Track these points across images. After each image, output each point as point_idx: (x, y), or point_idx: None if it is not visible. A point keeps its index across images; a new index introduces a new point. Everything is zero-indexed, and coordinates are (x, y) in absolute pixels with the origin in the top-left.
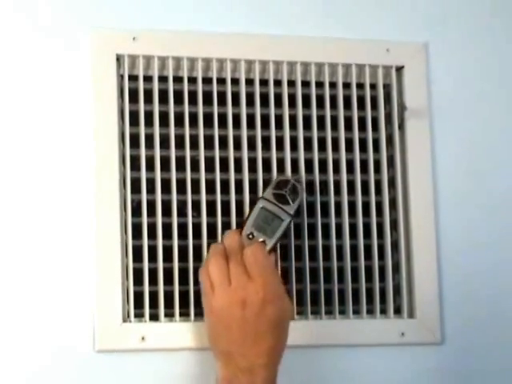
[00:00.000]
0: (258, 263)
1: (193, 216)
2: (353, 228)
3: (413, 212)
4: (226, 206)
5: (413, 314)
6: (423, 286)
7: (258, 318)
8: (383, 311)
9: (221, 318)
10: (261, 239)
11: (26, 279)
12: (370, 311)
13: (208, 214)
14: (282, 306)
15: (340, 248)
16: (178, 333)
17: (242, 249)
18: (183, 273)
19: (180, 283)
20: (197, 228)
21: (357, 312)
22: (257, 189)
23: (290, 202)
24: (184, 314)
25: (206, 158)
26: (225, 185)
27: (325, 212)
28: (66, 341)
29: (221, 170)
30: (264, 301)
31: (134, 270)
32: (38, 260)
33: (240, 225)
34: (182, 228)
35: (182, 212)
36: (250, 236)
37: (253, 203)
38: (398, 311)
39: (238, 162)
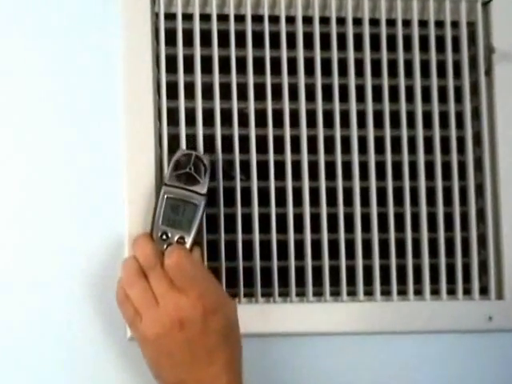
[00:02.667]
0: (184, 273)
1: (241, 179)
2: (430, 193)
3: (501, 174)
4: (280, 166)
5: (501, 294)
6: None
7: (204, 334)
8: (467, 291)
9: (158, 346)
10: (177, 236)
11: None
12: (451, 291)
13: (259, 178)
14: (226, 310)
15: (415, 217)
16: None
17: (160, 258)
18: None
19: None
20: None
21: (435, 292)
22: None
23: (199, 179)
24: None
25: (256, 111)
26: (279, 142)
27: (397, 174)
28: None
29: (274, 126)
30: (205, 314)
31: None
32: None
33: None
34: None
35: (228, 175)
36: (164, 236)
37: (157, 196)
38: (484, 291)
39: (295, 116)
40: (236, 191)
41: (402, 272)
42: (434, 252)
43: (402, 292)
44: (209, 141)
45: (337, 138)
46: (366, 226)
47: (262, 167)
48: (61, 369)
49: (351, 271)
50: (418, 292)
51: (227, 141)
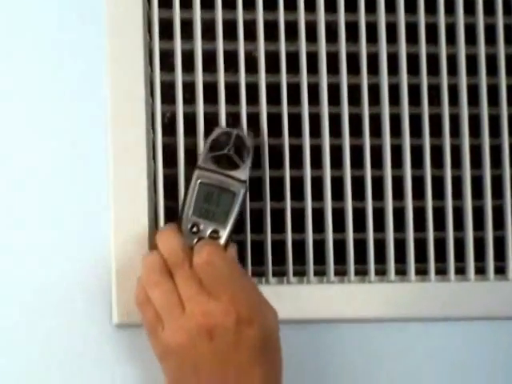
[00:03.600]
0: (217, 273)
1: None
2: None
3: None
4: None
5: None
6: None
7: (236, 347)
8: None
9: (182, 359)
10: (210, 230)
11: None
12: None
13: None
14: (265, 320)
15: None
16: None
17: (188, 254)
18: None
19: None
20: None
21: (501, 271)
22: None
23: (239, 163)
24: None
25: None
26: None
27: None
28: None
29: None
30: (239, 323)
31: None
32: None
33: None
34: None
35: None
36: (194, 229)
37: (187, 180)
38: None
39: (313, 59)
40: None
41: (441, 248)
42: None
43: (461, 271)
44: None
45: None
46: (398, 193)
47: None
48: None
49: (380, 246)
50: (481, 270)
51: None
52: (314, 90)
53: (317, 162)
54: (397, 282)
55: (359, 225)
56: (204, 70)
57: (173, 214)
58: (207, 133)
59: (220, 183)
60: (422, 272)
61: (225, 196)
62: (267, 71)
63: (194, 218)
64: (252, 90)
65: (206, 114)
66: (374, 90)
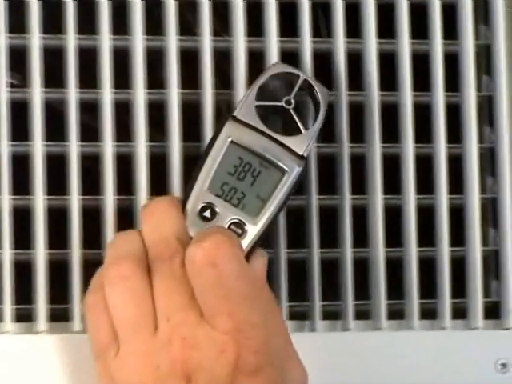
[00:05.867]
0: (221, 282)
1: None
2: None
3: None
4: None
5: None
6: None
7: None
8: None
9: None
10: (231, 219)
11: None
12: None
13: None
14: (282, 378)
15: None
16: None
17: (185, 247)
18: None
19: None
20: None
21: None
22: None
23: (301, 127)
24: None
25: None
26: None
27: None
28: None
29: None
30: (237, 370)
31: None
32: None
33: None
34: None
35: None
36: (207, 213)
37: (213, 137)
38: None
39: None
40: None
41: None
42: None
43: None
44: None
45: None
46: None
47: None
48: None
49: None
50: None
51: None
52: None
53: None
54: None
55: None
56: None
57: None
58: None
59: (264, 151)
60: None
61: (267, 173)
62: None
63: (209, 195)
64: None
65: None
66: None
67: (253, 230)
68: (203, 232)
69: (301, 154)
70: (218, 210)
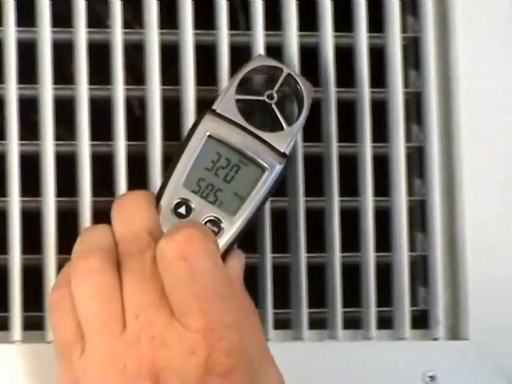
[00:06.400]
0: (194, 279)
1: None
2: None
3: None
4: None
5: None
6: None
7: None
8: None
9: None
10: (207, 216)
11: None
12: None
13: None
14: (256, 381)
15: None
16: None
17: (157, 240)
18: None
19: None
20: None
21: None
22: None
23: (283, 123)
24: None
25: None
26: None
27: None
28: None
29: None
30: (208, 372)
31: None
32: None
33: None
34: None
35: None
36: (182, 210)
37: (190, 131)
38: None
39: None
40: None
41: None
42: None
43: None
44: None
45: None
46: None
47: None
48: None
49: None
50: None
51: None
52: None
53: None
54: None
55: None
56: None
57: None
58: None
59: (243, 146)
60: None
61: (246, 169)
62: None
63: (184, 190)
64: None
65: None
66: None
67: (230, 229)
68: (176, 226)
69: (282, 151)
70: (193, 206)
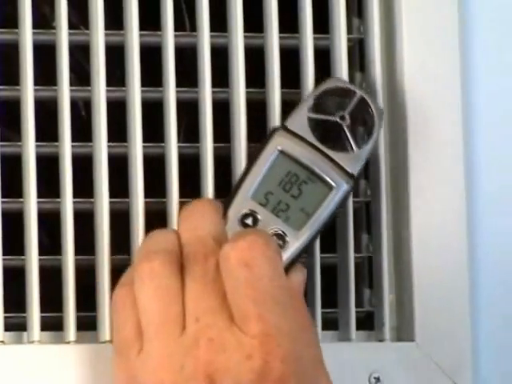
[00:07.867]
0: (255, 285)
1: None
2: None
3: None
4: None
5: None
6: None
7: None
8: None
9: None
10: (273, 228)
11: None
12: None
13: None
14: None
15: None
16: None
17: (220, 248)
18: None
19: None
20: None
21: None
22: None
23: (353, 145)
24: None
25: None
26: None
27: None
28: None
29: None
30: (263, 379)
31: None
32: None
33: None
34: None
35: None
36: (248, 220)
37: (260, 145)
38: None
39: None
40: None
41: None
42: None
43: None
44: None
45: None
46: None
47: None
48: None
49: None
50: None
51: None
52: None
53: None
54: None
55: None
56: None
57: None
58: None
59: (312, 164)
60: None
61: (314, 187)
62: None
63: (252, 203)
64: None
65: None
66: None
67: (294, 243)
68: (240, 232)
69: (350, 172)
70: (260, 218)
